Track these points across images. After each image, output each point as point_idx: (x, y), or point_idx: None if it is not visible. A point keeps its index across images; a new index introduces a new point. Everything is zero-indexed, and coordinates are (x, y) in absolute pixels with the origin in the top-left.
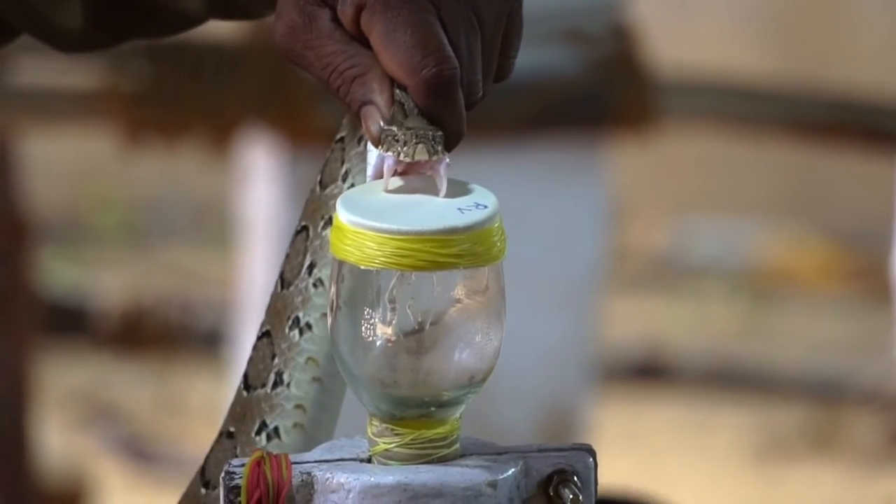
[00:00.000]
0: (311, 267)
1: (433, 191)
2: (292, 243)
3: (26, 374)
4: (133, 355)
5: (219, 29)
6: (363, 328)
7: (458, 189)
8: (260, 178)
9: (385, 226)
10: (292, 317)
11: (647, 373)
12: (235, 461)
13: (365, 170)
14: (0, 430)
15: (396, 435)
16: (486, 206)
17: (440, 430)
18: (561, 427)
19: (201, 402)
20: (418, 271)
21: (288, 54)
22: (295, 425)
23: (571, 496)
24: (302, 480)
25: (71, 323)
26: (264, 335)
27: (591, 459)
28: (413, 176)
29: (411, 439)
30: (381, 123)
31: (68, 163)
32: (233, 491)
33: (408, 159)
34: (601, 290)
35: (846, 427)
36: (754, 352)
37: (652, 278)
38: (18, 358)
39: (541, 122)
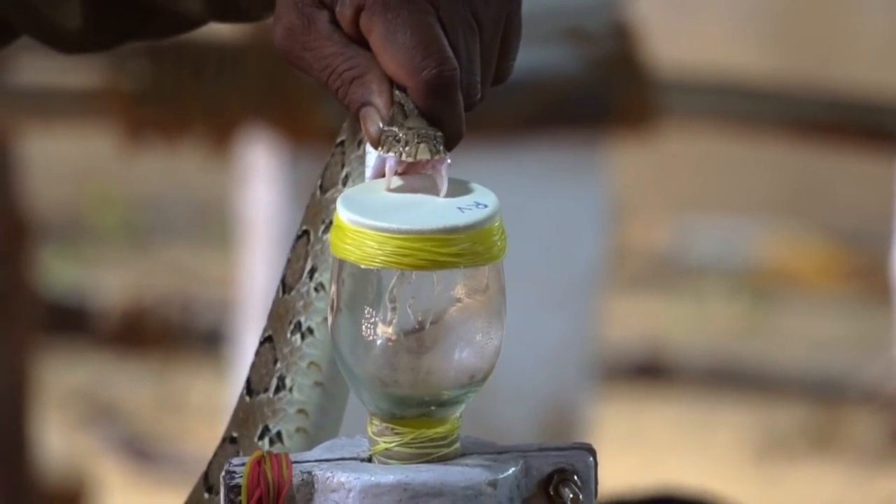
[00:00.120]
0: (313, 271)
1: (434, 191)
2: (293, 248)
3: (26, 373)
4: (133, 355)
5: (219, 28)
6: (363, 327)
7: (458, 188)
8: (260, 178)
9: (385, 225)
10: (294, 321)
11: (648, 372)
12: (236, 460)
13: (365, 173)
14: (0, 429)
15: (397, 434)
16: (486, 206)
17: (440, 430)
18: (561, 426)
19: (201, 402)
20: (419, 270)
21: (287, 56)
22: (298, 430)
23: (572, 495)
24: (302, 479)
25: (71, 322)
26: (266, 340)
27: (591, 459)
28: (414, 176)
29: (412, 438)
30: (381, 124)
31: (69, 162)
32: (233, 490)
33: (410, 159)
34: (601, 289)
35: (846, 426)
36: (755, 351)
37: (652, 277)
38: (19, 357)
39: (541, 121)
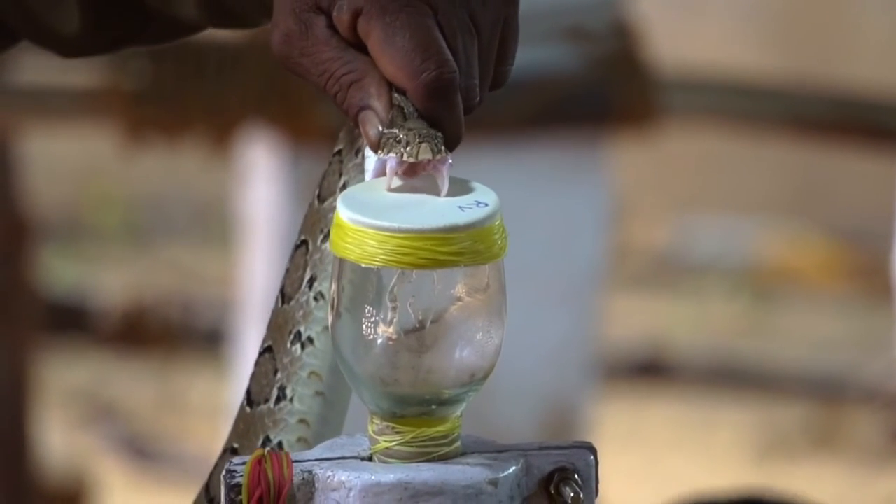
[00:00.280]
0: (312, 281)
1: (434, 191)
2: (292, 258)
3: (27, 372)
4: (134, 354)
5: None
6: (364, 326)
7: (458, 187)
8: (261, 177)
9: (386, 224)
10: (294, 331)
11: (649, 371)
12: (236, 459)
13: (363, 181)
14: (1, 428)
15: (397, 433)
16: (486, 204)
17: (441, 429)
18: (562, 425)
19: (202, 401)
20: (419, 269)
21: (285, 62)
22: (299, 440)
23: (572, 494)
24: (303, 479)
25: (72, 322)
26: (266, 350)
27: (592, 457)
28: (414, 175)
29: (412, 437)
30: (380, 128)
31: (69, 161)
32: (234, 489)
33: (411, 159)
34: (602, 288)
35: (847, 425)
36: (756, 350)
37: (653, 276)
38: (19, 357)
39: (542, 119)
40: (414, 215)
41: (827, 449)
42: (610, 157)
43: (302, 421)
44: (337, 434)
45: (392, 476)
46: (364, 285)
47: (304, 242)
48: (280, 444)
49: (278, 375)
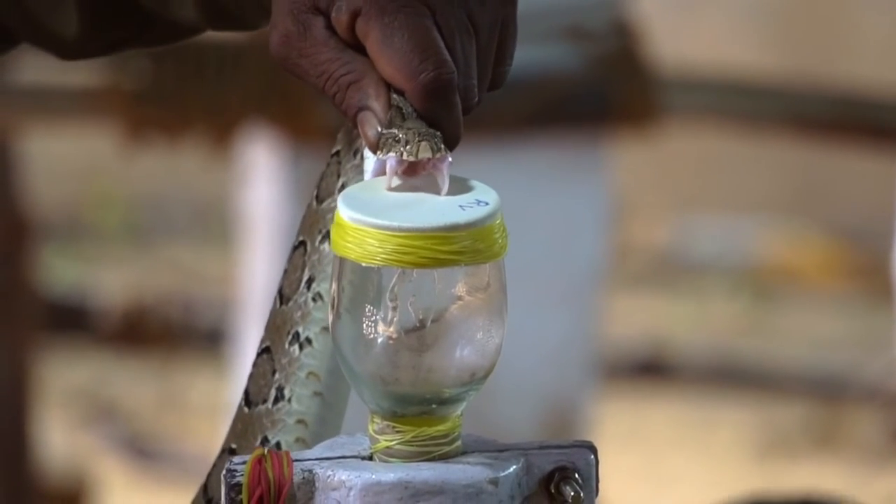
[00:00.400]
0: (310, 281)
1: (434, 189)
2: (290, 258)
3: (27, 372)
4: (134, 353)
5: None
6: (364, 325)
7: (459, 186)
8: (261, 176)
9: (386, 223)
10: (292, 332)
11: (649, 370)
12: (237, 459)
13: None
14: (1, 428)
15: (398, 432)
16: (487, 203)
17: (441, 428)
18: (562, 424)
19: (202, 401)
20: (420, 268)
21: (283, 63)
22: (297, 440)
23: (573, 493)
24: (303, 478)
25: (72, 321)
26: (264, 351)
27: (592, 456)
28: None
29: (413, 437)
30: (379, 128)
31: (70, 161)
32: (234, 489)
33: (411, 157)
34: (603, 287)
35: (848, 424)
36: (756, 349)
37: (654, 275)
38: (19, 356)
39: (542, 119)
40: (414, 214)
41: (827, 448)
42: (610, 157)
43: (300, 421)
44: (335, 435)
45: (392, 475)
46: (364, 284)
47: (303, 243)
48: (278, 445)
49: (276, 376)
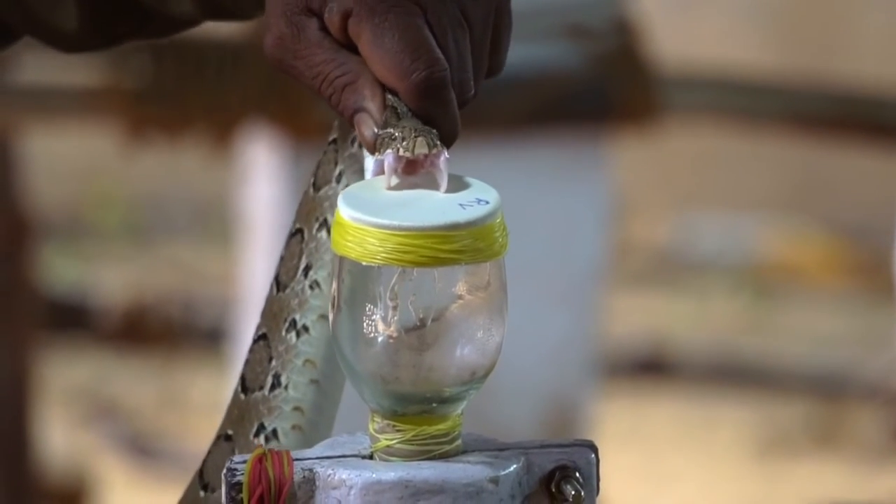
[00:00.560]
0: (307, 269)
1: (434, 186)
2: (287, 245)
3: (28, 371)
4: (135, 352)
5: (220, 26)
6: (365, 324)
7: (459, 184)
8: (262, 175)
9: (386, 222)
10: (289, 319)
11: (650, 368)
12: (237, 458)
13: (359, 171)
14: (2, 427)
15: (398, 431)
16: (487, 202)
17: (442, 427)
18: (563, 423)
19: (203, 399)
20: (420, 267)
21: (278, 65)
22: (293, 427)
23: (573, 492)
24: (303, 477)
25: (73, 320)
26: (261, 338)
27: (593, 455)
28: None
29: (413, 436)
30: (375, 129)
31: (70, 160)
32: (234, 488)
33: (408, 154)
34: (603, 285)
35: (849, 422)
36: (757, 347)
37: (654, 274)
38: (20, 355)
39: (543, 117)
40: (415, 213)
41: (828, 446)
42: (611, 155)
43: (297, 409)
44: (330, 422)
45: (393, 474)
46: (365, 283)
47: (300, 231)
48: (275, 432)
49: (273, 363)
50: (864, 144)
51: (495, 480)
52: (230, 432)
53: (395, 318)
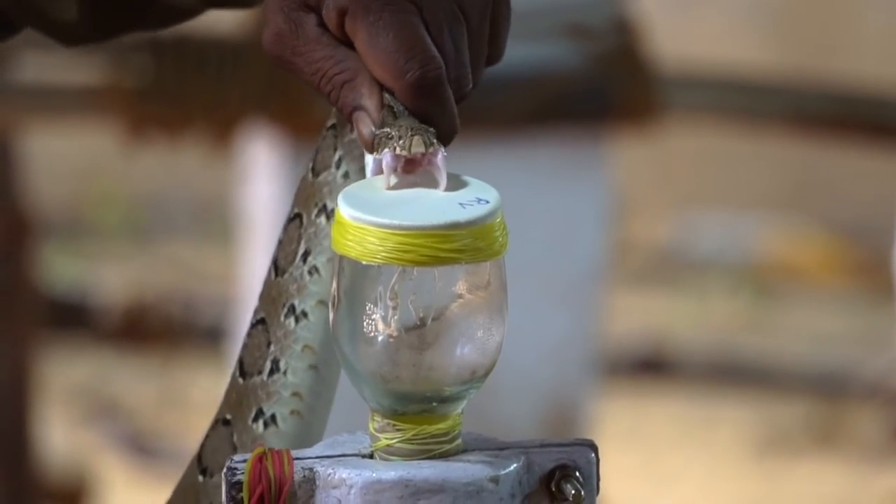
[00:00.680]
0: (306, 254)
1: (433, 184)
2: (285, 230)
3: (28, 369)
4: (135, 351)
5: (221, 24)
6: (365, 323)
7: (459, 184)
8: (262, 174)
9: (387, 221)
10: (287, 304)
11: (650, 367)
12: (237, 457)
13: (358, 156)
14: (2, 426)
15: (398, 430)
16: (487, 201)
17: (442, 426)
18: (563, 422)
19: (203, 398)
20: (420, 266)
21: (277, 61)
22: (292, 412)
23: (573, 491)
24: (304, 476)
25: (73, 319)
26: (259, 322)
27: (593, 454)
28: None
29: (413, 435)
30: (373, 128)
31: (70, 159)
32: (235, 487)
33: (405, 153)
34: (603, 284)
35: (849, 422)
36: (757, 346)
37: (654, 273)
38: (20, 354)
39: (543, 116)
40: (415, 212)
41: (828, 446)
42: (611, 154)
43: (295, 394)
44: (328, 408)
45: (393, 473)
46: (365, 282)
47: (298, 216)
48: (273, 417)
49: (272, 348)
50: (864, 144)
51: (495, 480)
52: (228, 417)
53: (396, 317)
